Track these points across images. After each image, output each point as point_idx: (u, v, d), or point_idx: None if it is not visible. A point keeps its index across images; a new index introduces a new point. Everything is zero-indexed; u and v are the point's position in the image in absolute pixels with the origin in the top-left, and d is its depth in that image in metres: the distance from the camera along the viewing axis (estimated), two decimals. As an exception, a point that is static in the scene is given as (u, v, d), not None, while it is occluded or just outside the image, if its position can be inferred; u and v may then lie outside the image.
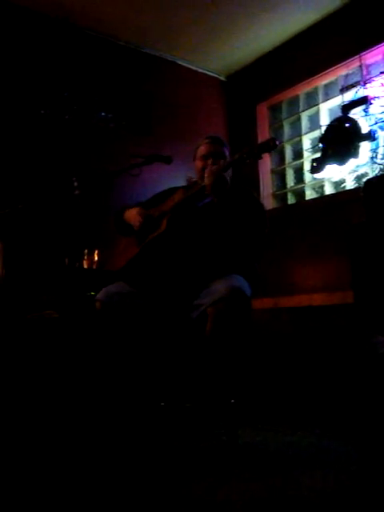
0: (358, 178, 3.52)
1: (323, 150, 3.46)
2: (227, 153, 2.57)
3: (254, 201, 2.49)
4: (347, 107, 3.39)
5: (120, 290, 2.36)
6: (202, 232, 2.39)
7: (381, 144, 3.28)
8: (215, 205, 2.32)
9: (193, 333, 2.22)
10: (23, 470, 2.08)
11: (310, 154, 3.91)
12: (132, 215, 2.59)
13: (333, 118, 3.54)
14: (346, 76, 3.65)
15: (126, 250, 2.59)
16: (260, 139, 4.24)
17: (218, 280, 2.20)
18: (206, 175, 2.31)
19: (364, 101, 3.32)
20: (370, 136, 3.24)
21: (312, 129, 3.96)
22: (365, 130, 3.29)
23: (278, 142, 2.25)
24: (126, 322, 2.29)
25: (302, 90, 4.02)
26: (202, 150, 2.56)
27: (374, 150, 3.29)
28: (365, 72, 3.48)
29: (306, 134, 4.00)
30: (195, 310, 2.21)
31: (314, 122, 3.95)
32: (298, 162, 4.07)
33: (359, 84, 3.43)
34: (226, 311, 2.10)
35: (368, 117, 3.31)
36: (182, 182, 2.70)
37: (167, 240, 2.43)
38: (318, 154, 3.54)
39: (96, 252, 3.24)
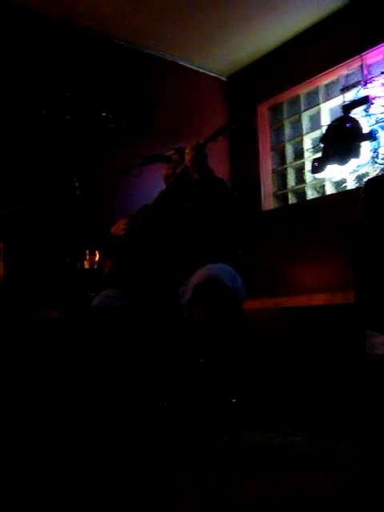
0: (359, 178, 3.52)
1: (324, 150, 3.46)
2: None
3: (226, 189, 2.48)
4: (348, 107, 3.39)
5: (114, 293, 2.39)
6: (182, 228, 2.41)
7: (382, 144, 3.27)
8: (196, 196, 2.36)
9: (186, 330, 2.22)
10: (23, 469, 2.08)
11: (310, 154, 3.91)
12: (117, 226, 2.60)
13: (334, 118, 3.54)
14: (347, 76, 3.65)
15: (113, 258, 2.61)
16: (260, 139, 4.25)
17: (195, 272, 2.19)
18: (186, 151, 2.37)
19: (365, 101, 3.32)
20: (371, 136, 3.24)
21: (313, 129, 3.96)
22: (366, 129, 3.29)
23: (234, 127, 2.45)
24: (123, 324, 2.31)
25: (303, 90, 4.01)
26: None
27: (375, 150, 3.29)
28: (366, 72, 3.48)
29: (306, 134, 4.00)
30: (184, 309, 2.21)
31: (315, 122, 3.95)
32: (298, 162, 4.07)
33: (360, 84, 3.43)
34: (205, 301, 2.07)
35: (369, 117, 3.31)
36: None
37: (146, 237, 2.45)
38: (319, 154, 3.54)
39: (97, 252, 3.24)
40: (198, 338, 2.13)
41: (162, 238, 2.45)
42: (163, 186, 2.82)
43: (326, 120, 3.83)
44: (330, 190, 3.77)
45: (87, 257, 3.24)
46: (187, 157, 2.35)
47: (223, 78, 4.56)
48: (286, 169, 4.17)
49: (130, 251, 2.48)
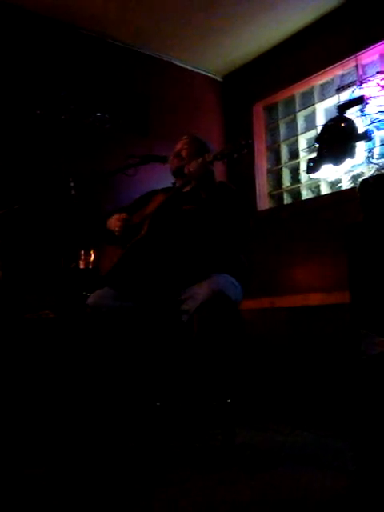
0: (354, 178, 3.52)
1: (319, 150, 3.46)
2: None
3: (233, 195, 2.49)
4: (343, 107, 3.39)
5: (109, 293, 2.38)
6: (183, 233, 2.40)
7: (377, 144, 3.28)
8: (198, 200, 2.36)
9: (184, 334, 2.23)
10: (21, 467, 2.08)
11: (306, 154, 3.91)
12: (112, 222, 2.60)
13: (329, 118, 3.54)
14: (342, 76, 3.65)
15: (111, 256, 2.60)
16: (255, 139, 4.25)
17: (201, 282, 2.20)
18: (192, 168, 2.37)
19: (360, 101, 3.32)
20: (366, 136, 3.24)
21: (308, 129, 3.96)
22: (361, 129, 3.29)
23: (246, 146, 2.33)
24: (117, 324, 2.31)
25: (298, 89, 4.02)
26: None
27: (370, 150, 3.30)
28: (361, 72, 3.48)
29: (301, 134, 4.00)
30: (184, 314, 2.22)
31: (310, 122, 3.95)
32: (294, 162, 4.07)
33: (355, 84, 3.43)
34: (209, 316, 2.11)
35: (364, 117, 3.31)
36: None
37: (148, 243, 2.44)
38: (314, 154, 3.54)
39: (92, 252, 3.24)
40: (196, 344, 2.14)
41: (163, 242, 2.44)
42: (159, 186, 2.82)
43: (321, 120, 3.83)
44: (325, 189, 3.78)
45: (82, 257, 3.23)
46: (193, 172, 2.35)
47: (218, 78, 4.56)
48: (281, 169, 4.18)
49: (132, 256, 2.48)
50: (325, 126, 3.47)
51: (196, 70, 4.40)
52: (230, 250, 2.45)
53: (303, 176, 3.94)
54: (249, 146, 2.33)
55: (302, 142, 4.01)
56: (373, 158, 3.29)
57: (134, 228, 2.54)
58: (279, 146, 4.19)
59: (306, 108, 3.97)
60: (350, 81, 3.53)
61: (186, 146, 2.64)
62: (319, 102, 3.87)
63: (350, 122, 3.31)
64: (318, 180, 3.79)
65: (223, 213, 2.35)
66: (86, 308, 2.37)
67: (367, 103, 3.30)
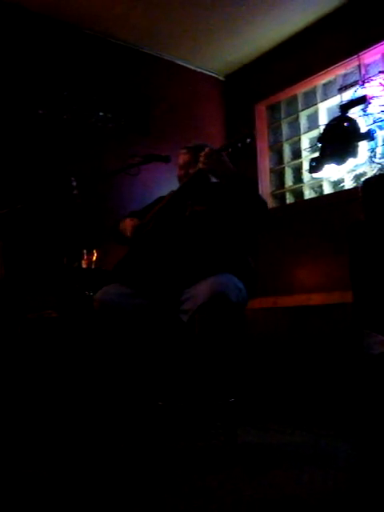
0: (357, 178, 3.52)
1: (322, 150, 3.46)
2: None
3: (252, 185, 2.49)
4: (346, 107, 3.39)
5: (117, 289, 2.38)
6: (189, 231, 2.40)
7: (379, 143, 3.28)
8: (209, 201, 2.35)
9: (186, 334, 2.22)
10: (21, 467, 2.08)
11: (308, 153, 3.91)
12: (125, 225, 2.61)
13: (331, 118, 3.54)
14: (345, 75, 3.65)
15: (121, 254, 2.61)
16: (257, 138, 4.24)
17: (203, 281, 2.18)
18: (201, 159, 2.34)
19: (362, 100, 3.32)
20: (369, 135, 3.24)
21: (311, 128, 3.96)
22: (363, 129, 3.29)
23: (248, 140, 2.32)
24: (123, 321, 2.30)
25: (301, 89, 4.02)
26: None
27: (373, 150, 3.30)
28: (363, 71, 3.48)
29: (304, 133, 4.00)
30: (184, 313, 2.21)
31: (313, 122, 3.95)
32: (296, 161, 4.07)
33: (358, 83, 3.43)
34: (209, 318, 2.09)
35: (366, 116, 3.32)
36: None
37: (153, 237, 2.45)
38: (317, 154, 3.55)
39: (94, 252, 3.24)
40: (197, 344, 2.14)
41: (168, 241, 2.44)
42: (161, 186, 2.82)
43: (323, 119, 3.83)
44: (327, 189, 3.77)
45: (85, 256, 3.24)
46: (203, 163, 2.33)
47: (221, 78, 4.56)
48: (283, 168, 4.18)
49: (138, 250, 2.48)
50: (327, 126, 3.47)
51: (198, 70, 4.40)
52: (237, 251, 2.43)
53: (306, 176, 3.94)
54: (252, 136, 2.32)
55: (305, 142, 4.01)
56: (375, 157, 3.29)
57: (142, 227, 2.55)
58: (282, 145, 4.19)
59: (309, 107, 3.97)
60: (352, 80, 3.53)
61: (190, 159, 2.62)
62: (322, 101, 3.87)
63: (352, 122, 3.31)
64: (321, 179, 3.79)
65: (239, 208, 2.35)
66: (92, 303, 2.37)
67: (370, 103, 3.30)
